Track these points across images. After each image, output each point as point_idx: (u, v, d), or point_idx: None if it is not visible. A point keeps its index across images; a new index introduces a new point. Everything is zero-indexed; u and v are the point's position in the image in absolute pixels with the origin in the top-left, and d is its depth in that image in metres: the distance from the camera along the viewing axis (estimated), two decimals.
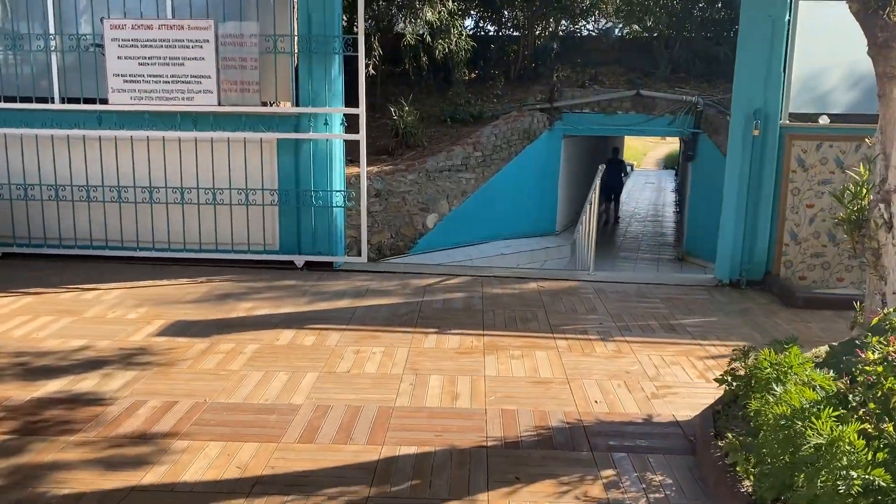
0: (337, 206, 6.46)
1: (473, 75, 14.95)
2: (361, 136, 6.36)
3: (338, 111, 6.38)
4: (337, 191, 6.44)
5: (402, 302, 5.49)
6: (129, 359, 4.15)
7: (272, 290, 5.79)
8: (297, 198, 6.43)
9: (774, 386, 2.70)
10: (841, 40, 5.94)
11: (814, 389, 2.64)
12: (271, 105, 6.49)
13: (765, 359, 2.84)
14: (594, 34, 15.59)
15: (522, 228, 12.82)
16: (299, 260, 6.48)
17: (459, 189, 11.48)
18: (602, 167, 6.48)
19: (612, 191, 18.12)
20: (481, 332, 4.76)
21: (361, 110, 6.31)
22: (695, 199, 13.00)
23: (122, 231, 6.57)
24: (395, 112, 11.42)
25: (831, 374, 2.83)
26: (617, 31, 15.96)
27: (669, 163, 40.00)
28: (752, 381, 3.05)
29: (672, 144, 37.41)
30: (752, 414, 2.78)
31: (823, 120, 6.03)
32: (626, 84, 14.28)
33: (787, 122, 6.03)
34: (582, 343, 4.54)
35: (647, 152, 46.00)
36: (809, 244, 6.12)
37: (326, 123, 6.31)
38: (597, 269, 7.15)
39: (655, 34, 15.04)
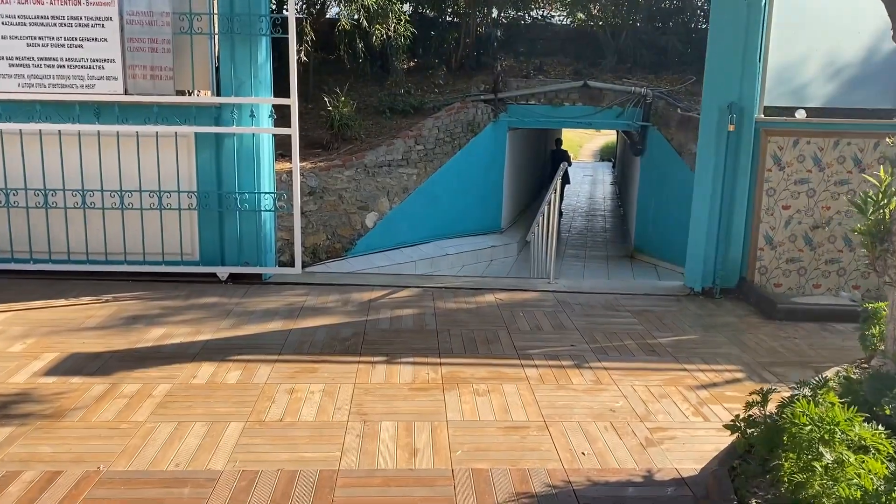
0: (266, 210, 5.73)
1: (413, 64, 14.30)
2: (293, 130, 5.64)
3: (265, 101, 5.65)
4: (266, 192, 5.71)
5: (344, 322, 4.83)
6: (3, 410, 3.37)
7: (191, 309, 5.04)
8: (220, 201, 5.67)
9: (822, 450, 2.18)
10: (819, 27, 5.60)
11: (871, 454, 2.15)
12: (189, 94, 5.70)
13: (802, 412, 2.32)
14: (540, 22, 15.15)
15: (467, 226, 12.28)
16: (223, 272, 5.73)
17: (400, 185, 10.83)
18: (564, 165, 5.94)
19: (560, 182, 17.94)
20: (438, 359, 4.16)
21: (293, 100, 5.60)
22: (644, 195, 12.73)
23: (12, 240, 5.66)
24: (329, 102, 10.67)
25: (881, 429, 2.34)
26: (561, 19, 15.57)
27: (605, 154, 40.29)
28: (777, 433, 2.54)
29: (608, 136, 37.61)
30: (788, 482, 2.27)
31: (800, 114, 5.66)
32: (571, 75, 13.90)
33: (762, 116, 5.64)
34: (555, 372, 3.99)
35: (583, 144, 46.24)
36: (785, 248, 5.76)
37: (252, 115, 5.56)
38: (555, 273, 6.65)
39: (601, 23, 14.70)
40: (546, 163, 23.81)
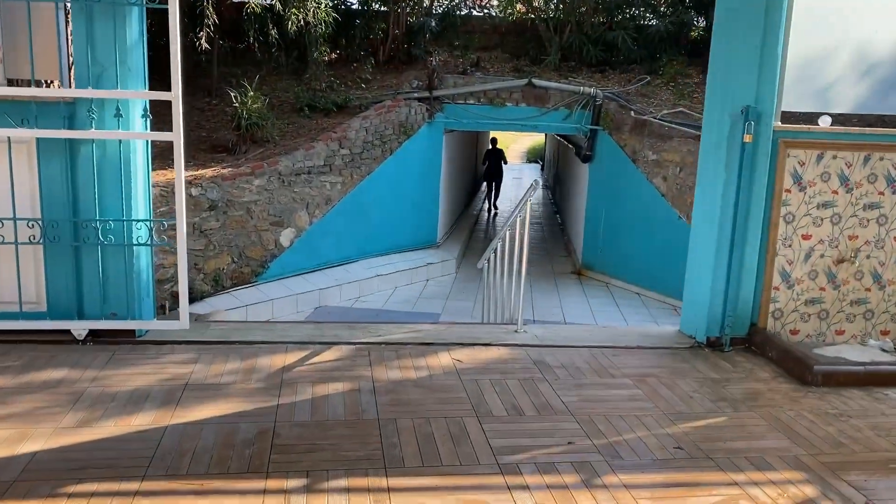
0: (140, 244, 4.29)
1: (335, 56, 12.91)
2: (176, 136, 4.23)
3: (137, 96, 4.22)
4: (139, 220, 4.28)
5: (246, 411, 3.49)
6: None
7: (23, 392, 3.59)
8: (75, 231, 4.22)
9: None
10: (848, 13, 4.63)
11: None
12: (30, 85, 4.21)
13: None
14: (477, 14, 14.03)
15: (400, 242, 11.02)
16: (80, 328, 4.27)
17: (322, 196, 9.46)
18: (536, 182, 4.78)
19: (493, 180, 18.46)
20: (384, 478, 2.89)
21: (175, 94, 4.19)
22: (593, 206, 11.78)
23: None
24: (236, 98, 9.18)
25: None
26: (499, 11, 14.49)
27: (533, 156, 39.78)
28: None
29: (536, 137, 37.04)
30: None
31: (825, 121, 4.67)
32: (511, 72, 12.85)
33: (780, 124, 4.62)
34: (557, 497, 2.79)
35: (508, 145, 45.72)
36: (804, 287, 4.77)
37: (119, 115, 4.13)
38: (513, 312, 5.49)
39: (543, 17, 13.71)
40: (477, 165, 22.87)
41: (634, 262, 10.86)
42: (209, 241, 7.95)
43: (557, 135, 16.02)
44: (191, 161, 8.73)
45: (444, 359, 4.29)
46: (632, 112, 11.13)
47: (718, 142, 4.61)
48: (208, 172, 8.19)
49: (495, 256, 6.31)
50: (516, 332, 4.89)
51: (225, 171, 8.32)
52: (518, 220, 5.24)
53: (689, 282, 4.99)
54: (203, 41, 9.72)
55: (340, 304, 9.26)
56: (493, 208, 18.83)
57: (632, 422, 3.50)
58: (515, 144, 46.45)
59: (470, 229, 15.84)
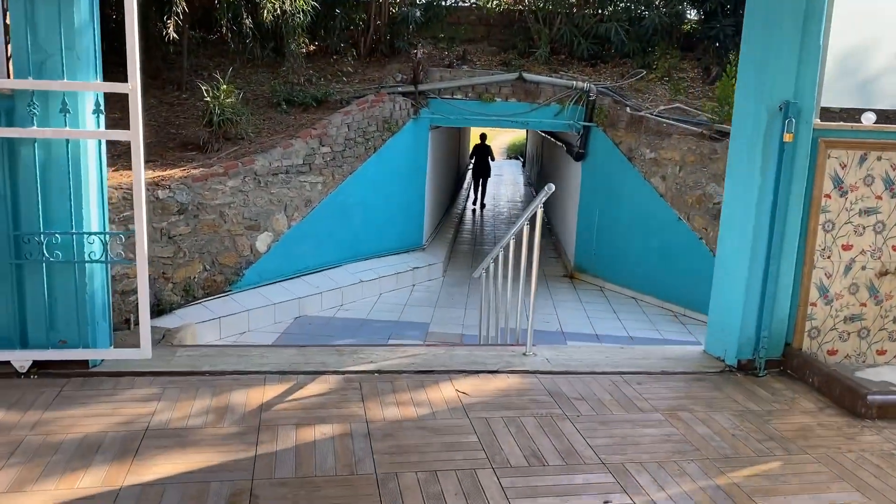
0: (93, 261, 3.72)
1: (313, 47, 12.31)
2: (134, 134, 3.66)
3: (88, 88, 3.65)
4: (92, 233, 3.70)
5: (216, 465, 2.95)
6: None
7: None
8: (15, 247, 3.64)
9: None
10: None
11: None
12: None
13: None
14: (463, 4, 13.49)
15: (384, 245, 10.48)
16: (22, 359, 3.69)
17: (301, 197, 8.90)
18: (549, 188, 4.27)
19: (480, 176, 18.35)
20: None
21: (132, 86, 3.62)
22: (586, 207, 11.32)
23: None
24: (207, 92, 8.57)
25: None
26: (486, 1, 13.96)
27: (513, 152, 39.31)
28: None
29: (516, 132, 36.51)
30: None
31: (868, 119, 4.22)
32: (499, 65, 12.33)
33: (819, 121, 4.15)
34: None
35: (488, 141, 45.16)
36: (844, 303, 4.32)
37: (66, 111, 3.56)
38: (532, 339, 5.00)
39: (532, 8, 13.20)
40: (459, 160, 22.34)
41: (631, 265, 10.42)
42: (178, 248, 7.36)
43: (544, 131, 15.54)
44: (158, 160, 8.12)
45: (446, 390, 3.77)
46: (627, 108, 10.68)
47: (752, 142, 4.14)
48: (177, 173, 7.58)
49: (495, 266, 5.80)
50: (525, 355, 4.39)
51: (196, 170, 7.72)
52: (525, 228, 4.73)
53: (717, 298, 4.52)
54: (171, 30, 9.08)
55: (322, 314, 8.70)
56: (480, 204, 18.72)
57: (673, 471, 3.01)
58: (495, 140, 45.80)
59: (455, 229, 15.32)
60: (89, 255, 3.69)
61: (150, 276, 7.00)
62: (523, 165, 34.18)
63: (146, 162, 8.05)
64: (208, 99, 8.52)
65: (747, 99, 4.21)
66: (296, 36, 10.73)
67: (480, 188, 18.59)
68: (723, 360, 4.41)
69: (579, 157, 11.31)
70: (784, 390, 4.02)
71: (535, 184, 24.51)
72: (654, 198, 10.02)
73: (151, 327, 6.63)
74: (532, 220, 4.60)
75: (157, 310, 7.20)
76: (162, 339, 6.69)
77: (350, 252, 9.82)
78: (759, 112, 4.07)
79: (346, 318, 8.68)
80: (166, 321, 7.11)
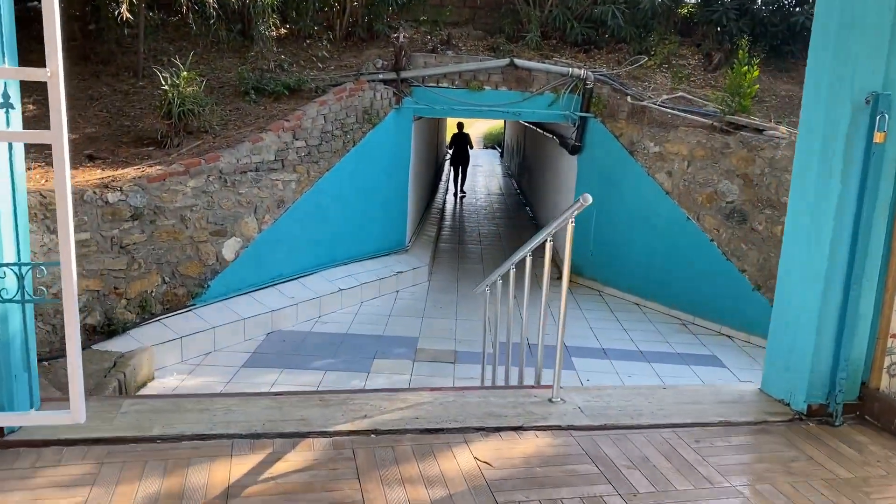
0: (5, 300, 2.90)
1: (284, 30, 11.43)
2: (56, 135, 2.82)
3: None
4: (3, 265, 2.89)
5: None
6: None
7: None
8: None
9: None
10: None
11: None
12: None
13: None
14: None
15: (365, 247, 9.71)
16: None
17: (273, 197, 8.08)
18: (585, 199, 3.54)
19: (460, 165, 18.48)
20: None
21: (53, 71, 2.78)
22: None
23: None
24: (165, 79, 7.71)
25: None
26: None
27: (490, 141, 38.57)
28: None
29: (492, 121, 35.75)
30: None
31: None
32: (486, 51, 11.56)
33: None
34: None
35: (466, 129, 44.36)
36: None
37: None
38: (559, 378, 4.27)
39: None
40: (438, 151, 21.62)
41: (633, 268, 9.76)
42: (133, 259, 6.51)
43: (531, 122, 14.79)
44: (109, 157, 7.24)
45: (463, 458, 3.03)
46: (628, 97, 9.99)
47: (829, 142, 3.42)
48: (131, 172, 6.72)
49: (503, 283, 5.06)
50: (551, 401, 3.66)
51: (152, 169, 6.86)
52: (548, 244, 4.01)
53: (780, 328, 3.83)
54: (125, 11, 8.18)
55: (297, 328, 7.90)
56: (459, 193, 18.83)
57: None
58: (470, 129, 44.98)
59: (438, 225, 14.56)
60: (1, 292, 2.88)
61: (99, 291, 6.16)
62: (501, 155, 33.48)
63: (95, 160, 7.19)
64: (166, 87, 7.65)
65: (818, 91, 3.50)
66: (265, 17, 9.86)
67: (460, 177, 18.72)
68: (788, 405, 3.73)
69: (575, 150, 10.60)
70: (870, 445, 3.34)
71: (515, 175, 23.83)
72: (659, 195, 9.35)
73: (100, 352, 5.78)
74: (555, 234, 3.88)
75: (108, 330, 6.35)
76: (113, 366, 5.87)
77: (328, 257, 9.03)
78: (839, 106, 3.36)
79: (324, 332, 7.90)
80: (119, 344, 6.27)
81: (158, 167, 6.95)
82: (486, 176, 25.63)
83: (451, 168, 18.86)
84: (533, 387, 4.04)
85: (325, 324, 8.15)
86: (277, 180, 8.11)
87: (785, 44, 11.64)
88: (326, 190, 8.80)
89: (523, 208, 18.08)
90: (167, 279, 6.98)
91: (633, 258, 9.79)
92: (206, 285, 7.35)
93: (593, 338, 8.23)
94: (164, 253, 6.90)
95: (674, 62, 11.72)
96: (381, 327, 8.16)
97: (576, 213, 3.69)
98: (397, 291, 9.64)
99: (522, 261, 4.69)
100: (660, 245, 9.39)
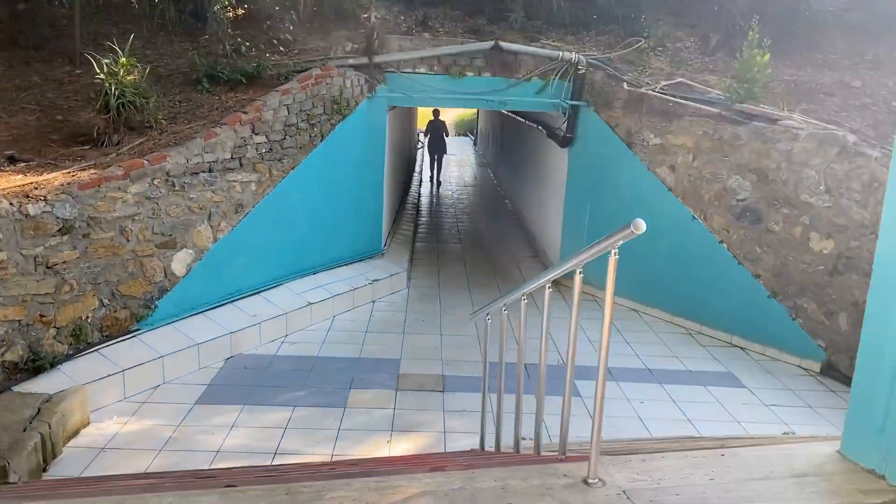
0: None
1: (242, 10, 10.43)
2: None
3: None
4: None
5: None
6: None
7: None
8: None
9: None
10: None
11: None
12: None
13: None
14: None
15: (337, 254, 8.84)
16: None
17: (230, 201, 7.18)
18: (637, 226, 2.71)
19: (437, 153, 18.40)
20: None
21: None
22: (574, 200, 9.86)
23: None
24: (101, 67, 6.75)
25: None
26: None
27: (462, 129, 37.72)
28: None
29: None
30: None
31: None
32: (466, 33, 10.69)
33: None
34: None
35: (442, 116, 43.55)
36: None
37: None
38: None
39: None
40: (412, 142, 20.79)
41: (631, 271, 8.99)
42: (62, 280, 5.58)
43: (513, 111, 13.95)
44: (35, 159, 6.27)
45: None
46: (624, 83, 9.21)
47: None
48: (59, 177, 5.77)
49: (507, 312, 4.24)
50: (587, 482, 2.86)
51: (85, 174, 5.91)
52: (577, 277, 3.21)
53: (871, 377, 3.06)
54: None
55: (261, 351, 7.02)
56: (436, 182, 18.73)
57: None
58: (441, 116, 44.07)
59: (414, 222, 13.72)
60: None
61: (21, 321, 5.21)
62: (475, 144, 32.64)
63: (17, 163, 6.20)
64: (102, 76, 6.68)
65: None
66: None
67: (437, 165, 18.58)
68: (883, 477, 2.98)
69: (566, 142, 9.80)
70: None
71: (491, 165, 23.05)
72: (660, 192, 8.60)
73: (22, 395, 4.85)
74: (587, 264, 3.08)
75: (34, 367, 5.42)
76: (36, 414, 4.95)
77: (295, 266, 8.13)
78: None
79: (292, 355, 7.02)
80: (46, 383, 5.35)
81: (93, 171, 6.00)
82: (460, 165, 24.82)
83: (428, 156, 18.75)
84: (559, 459, 3.24)
85: (292, 344, 7.28)
86: (235, 182, 7.19)
87: (788, 25, 10.95)
88: (291, 191, 7.90)
89: (502, 201, 17.31)
90: (106, 301, 6.05)
91: (631, 260, 8.98)
92: (153, 306, 6.44)
93: (593, 351, 7.45)
94: (102, 271, 5.96)
95: (668, 45, 10.98)
96: (356, 347, 7.31)
97: (621, 242, 2.87)
98: (373, 302, 8.78)
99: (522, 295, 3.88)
100: (662, 246, 8.65)
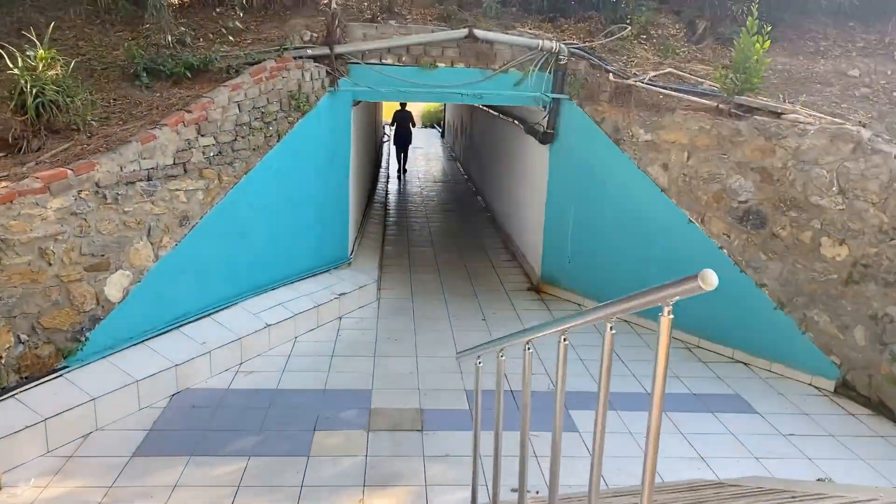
0: None
1: None
2: None
3: None
4: None
5: None
6: None
7: None
8: None
9: None
10: None
11: None
12: None
13: None
14: None
15: (297, 266, 8.04)
16: None
17: (174, 213, 6.34)
18: (708, 280, 1.97)
19: (403, 143, 18.69)
20: None
21: None
22: (557, 201, 9.17)
23: None
24: (15, 60, 5.85)
25: None
26: None
27: (429, 120, 36.90)
28: None
29: None
30: None
31: None
32: (436, 20, 9.90)
33: None
34: None
35: (398, 107, 42.77)
36: None
37: None
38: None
39: None
40: (377, 135, 20.05)
41: (620, 279, 8.36)
42: None
43: (486, 105, 13.18)
44: None
45: None
46: (610, 75, 8.52)
47: None
48: None
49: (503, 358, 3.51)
50: None
51: None
52: (609, 333, 2.50)
53: None
54: None
55: (212, 385, 6.19)
56: (402, 171, 19.14)
57: None
58: (408, 106, 43.22)
59: (382, 223, 12.93)
60: None
61: None
62: (442, 136, 31.84)
63: None
64: (16, 71, 5.77)
65: None
66: None
67: (403, 155, 18.94)
68: None
69: (547, 138, 9.09)
70: None
71: (461, 159, 22.30)
72: (652, 193, 7.94)
73: None
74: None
75: None
76: None
77: (250, 282, 7.31)
78: None
79: (247, 388, 6.21)
80: None
81: (4, 184, 5.11)
82: (428, 159, 24.03)
83: (395, 147, 18.96)
84: None
85: (248, 375, 6.47)
86: (178, 190, 6.34)
87: (777, 11, 10.35)
88: (245, 198, 7.07)
89: (474, 197, 16.59)
90: (24, 337, 5.18)
91: (620, 267, 8.38)
92: (83, 338, 5.58)
93: (587, 374, 6.79)
94: (18, 302, 5.09)
95: (653, 32, 10.32)
96: (321, 376, 6.52)
97: (678, 298, 2.15)
98: (340, 318, 7.99)
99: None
100: (655, 252, 8.00)
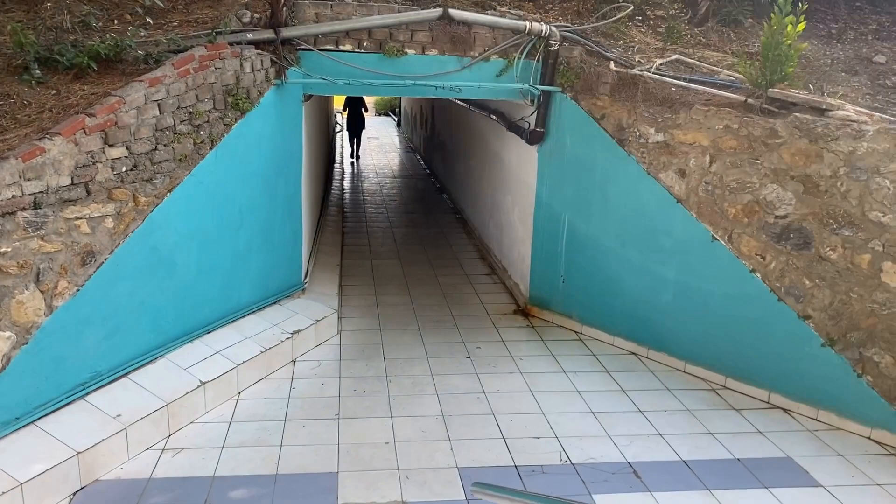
0: None
1: None
2: None
3: None
4: None
5: None
6: None
7: None
8: None
9: None
10: None
11: None
12: None
13: None
14: None
15: (240, 299, 6.67)
16: None
17: (74, 249, 4.91)
18: None
19: (355, 129, 18.78)
20: None
21: None
22: (547, 211, 7.95)
23: None
24: None
25: None
26: None
27: (383, 107, 35.50)
28: None
29: None
30: None
31: None
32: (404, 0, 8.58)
33: None
34: None
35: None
36: None
37: None
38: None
39: None
40: (329, 130, 18.74)
41: (627, 303, 7.19)
42: None
43: (460, 99, 11.79)
44: None
45: None
46: (611, 63, 7.33)
47: None
48: None
49: None
50: None
51: None
52: None
53: None
54: None
55: (127, 474, 4.84)
56: (355, 157, 19.37)
57: None
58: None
59: (339, 231, 11.58)
60: None
61: None
62: (398, 125, 30.43)
63: None
64: None
65: None
66: None
67: (356, 141, 19.07)
68: None
69: (535, 137, 7.85)
70: None
71: (421, 151, 20.99)
72: (666, 203, 6.77)
73: None
74: None
75: None
76: None
77: (179, 327, 5.92)
78: None
79: (175, 477, 4.84)
80: None
81: None
82: (384, 151, 22.64)
83: (348, 134, 19.05)
84: None
85: (177, 454, 5.10)
86: (79, 219, 4.93)
87: None
88: (170, 222, 5.67)
89: (439, 195, 15.32)
90: None
91: (627, 290, 7.21)
92: None
93: (603, 434, 5.59)
94: None
95: (649, 13, 9.16)
96: (271, 453, 5.18)
97: None
98: (294, 363, 6.66)
99: None
100: (668, 274, 6.84)
